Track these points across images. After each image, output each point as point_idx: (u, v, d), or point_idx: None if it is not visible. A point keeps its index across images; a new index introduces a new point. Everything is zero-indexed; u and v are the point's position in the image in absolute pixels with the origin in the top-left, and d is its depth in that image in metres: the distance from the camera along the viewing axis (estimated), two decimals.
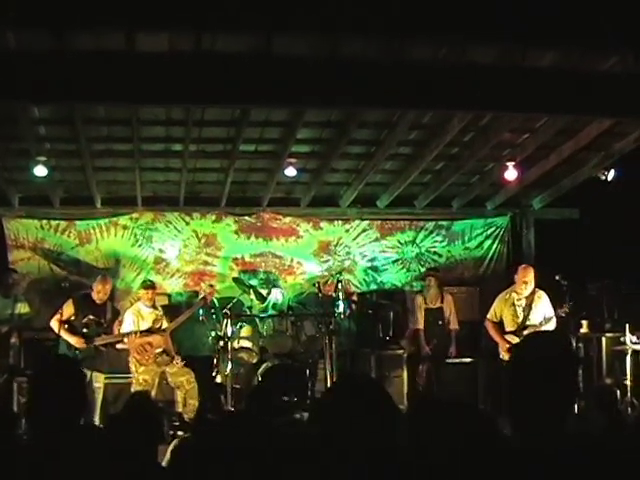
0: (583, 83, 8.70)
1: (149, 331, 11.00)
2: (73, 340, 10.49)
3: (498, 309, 11.09)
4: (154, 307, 11.30)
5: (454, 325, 12.46)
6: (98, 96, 8.44)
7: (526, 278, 10.89)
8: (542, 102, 8.88)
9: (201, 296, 12.04)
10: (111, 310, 11.03)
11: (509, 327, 10.96)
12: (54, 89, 8.16)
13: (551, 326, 10.72)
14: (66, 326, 10.54)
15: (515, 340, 10.62)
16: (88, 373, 10.37)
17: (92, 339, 10.58)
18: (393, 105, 9.24)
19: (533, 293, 10.93)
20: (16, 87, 8.08)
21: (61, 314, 10.54)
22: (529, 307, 10.88)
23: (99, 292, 10.80)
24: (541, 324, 10.73)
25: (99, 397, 10.66)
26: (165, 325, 11.24)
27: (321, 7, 7.16)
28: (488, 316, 11.19)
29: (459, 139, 11.26)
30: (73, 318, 10.65)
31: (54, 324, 10.56)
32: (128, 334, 10.87)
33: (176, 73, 8.20)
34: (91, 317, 10.62)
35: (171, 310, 12.03)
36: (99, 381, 10.66)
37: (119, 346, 11.03)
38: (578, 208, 13.92)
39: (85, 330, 10.55)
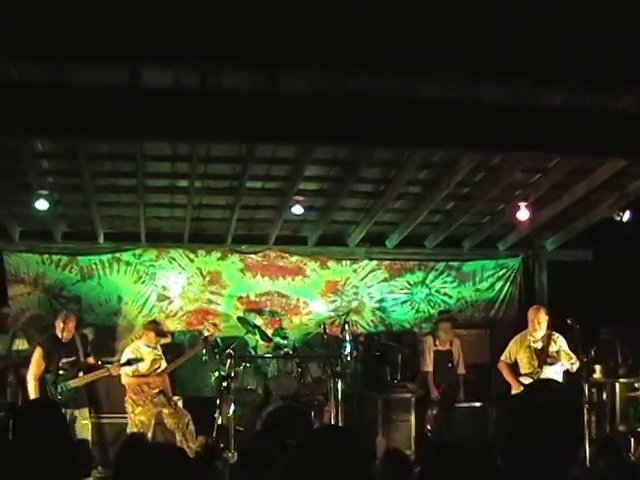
0: (596, 123, 8.56)
1: (128, 362, 10.78)
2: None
3: (513, 351, 10.92)
4: (155, 347, 11.11)
5: (461, 370, 12.29)
6: (102, 131, 8.37)
7: (537, 319, 10.77)
8: (554, 142, 8.77)
9: (204, 336, 11.85)
10: (81, 344, 10.77)
11: (525, 370, 10.77)
12: (57, 123, 8.08)
13: (575, 366, 10.53)
14: (38, 386, 10.29)
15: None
16: (73, 412, 10.19)
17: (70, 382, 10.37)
18: (402, 143, 9.11)
19: (550, 336, 10.77)
20: (19, 120, 8.01)
21: (36, 367, 10.34)
22: (546, 350, 10.70)
23: (62, 330, 10.49)
24: (562, 365, 10.53)
25: (87, 433, 10.44)
26: (164, 366, 11.06)
27: (328, 43, 7.02)
28: (502, 357, 11.02)
29: (470, 179, 11.11)
30: (48, 365, 10.36)
31: (31, 381, 10.34)
32: (109, 368, 10.62)
33: (182, 108, 8.09)
34: (64, 360, 10.35)
35: (173, 349, 11.89)
36: (84, 417, 10.47)
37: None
38: (592, 250, 13.72)
39: (62, 372, 10.29)
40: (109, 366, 10.70)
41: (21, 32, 6.85)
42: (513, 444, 3.21)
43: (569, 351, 10.64)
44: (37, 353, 10.44)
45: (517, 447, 3.20)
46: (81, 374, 10.54)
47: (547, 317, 10.80)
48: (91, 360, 10.77)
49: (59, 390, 10.22)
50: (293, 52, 7.17)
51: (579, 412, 3.39)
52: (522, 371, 10.77)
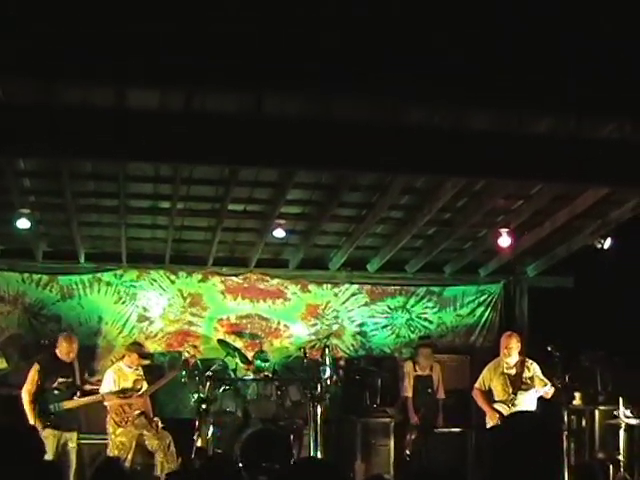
0: (580, 150, 8.61)
1: (123, 392, 10.73)
2: (31, 418, 10.11)
3: (487, 378, 10.89)
4: (136, 368, 11.05)
5: (441, 395, 12.28)
6: (85, 151, 8.34)
7: (509, 345, 10.78)
8: (537, 169, 8.80)
9: (184, 358, 11.80)
10: (79, 368, 10.72)
11: (499, 397, 10.73)
12: (40, 143, 8.05)
13: (550, 393, 10.51)
14: (34, 402, 10.20)
15: (506, 410, 10.43)
16: (63, 434, 10.14)
17: (64, 403, 10.27)
18: (385, 169, 9.11)
19: (523, 362, 10.75)
20: (2, 139, 7.95)
21: (31, 383, 10.26)
22: (520, 376, 10.67)
23: (66, 352, 10.48)
24: (537, 391, 10.51)
25: (73, 458, 10.33)
26: (145, 387, 10.99)
27: (313, 67, 7.03)
28: (476, 385, 10.99)
29: (452, 204, 11.12)
30: (43, 384, 10.28)
31: (25, 395, 10.25)
32: (104, 395, 10.59)
33: (165, 130, 8.08)
34: (60, 380, 10.30)
35: (153, 370, 11.78)
36: (73, 441, 10.36)
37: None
38: (573, 276, 13.73)
39: (57, 392, 10.22)
40: (103, 394, 10.67)
41: (6, 50, 6.84)
42: (493, 474, 3.20)
43: (543, 377, 10.64)
44: (34, 369, 10.35)
45: (497, 477, 3.18)
46: (76, 397, 10.47)
47: (519, 344, 10.81)
48: (88, 386, 10.74)
49: (52, 409, 10.16)
50: (278, 76, 7.17)
51: (558, 444, 3.40)
52: (496, 398, 10.73)
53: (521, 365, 10.73)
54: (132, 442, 10.69)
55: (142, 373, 11.15)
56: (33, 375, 10.32)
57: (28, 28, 6.66)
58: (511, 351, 10.74)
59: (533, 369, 10.73)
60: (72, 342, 10.63)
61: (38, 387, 10.26)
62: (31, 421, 10.06)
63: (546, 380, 10.57)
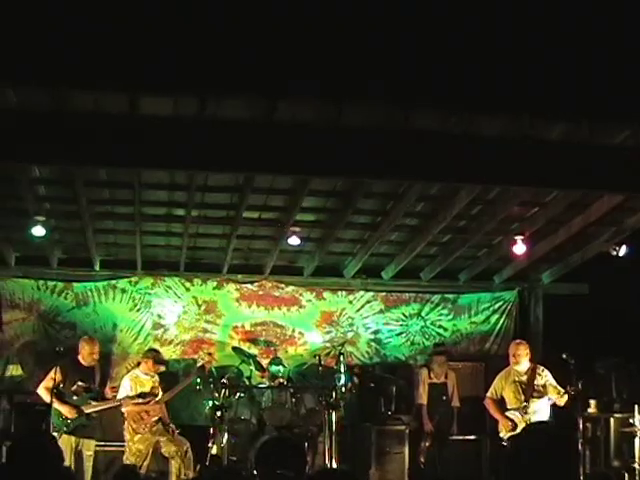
0: (594, 157, 8.58)
1: (140, 396, 10.73)
2: (65, 410, 10.14)
3: (498, 387, 10.91)
4: (152, 375, 11.05)
5: (455, 402, 12.24)
6: (100, 159, 8.36)
7: (517, 353, 10.83)
8: (552, 176, 8.76)
9: (199, 365, 11.80)
10: (100, 373, 10.75)
11: (511, 404, 10.74)
12: (54, 150, 8.07)
13: (563, 400, 10.49)
14: (56, 394, 10.12)
15: (518, 418, 10.42)
16: (80, 441, 10.15)
17: (82, 408, 10.24)
18: (399, 176, 9.09)
19: (534, 369, 10.78)
20: (16, 147, 7.99)
21: (49, 380, 10.21)
22: (531, 383, 10.69)
23: (89, 354, 10.49)
24: (550, 399, 10.52)
25: (89, 465, 10.33)
26: (161, 394, 10.99)
27: (327, 74, 7.04)
28: (488, 394, 11.01)
29: (467, 212, 11.09)
30: (62, 385, 10.28)
31: (43, 392, 10.25)
32: (121, 400, 10.60)
33: (180, 137, 8.10)
34: (80, 384, 10.29)
35: (168, 378, 11.78)
36: (90, 449, 10.36)
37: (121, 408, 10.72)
38: (588, 283, 13.69)
39: (75, 397, 10.22)
40: (121, 399, 10.66)
41: (20, 58, 6.88)
42: None
43: (556, 384, 10.61)
44: (54, 371, 10.24)
45: None
46: (94, 402, 10.45)
47: (528, 351, 10.85)
48: (108, 390, 10.73)
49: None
50: (293, 82, 7.19)
51: (574, 455, 3.37)
52: (508, 406, 10.74)
53: (532, 372, 10.74)
54: (149, 449, 10.70)
55: (158, 380, 11.15)
56: (52, 374, 10.22)
57: (41, 35, 6.70)
58: (519, 359, 10.78)
59: (545, 376, 10.72)
60: (94, 344, 10.65)
61: (55, 387, 10.14)
62: (65, 412, 10.07)
63: (559, 387, 10.54)
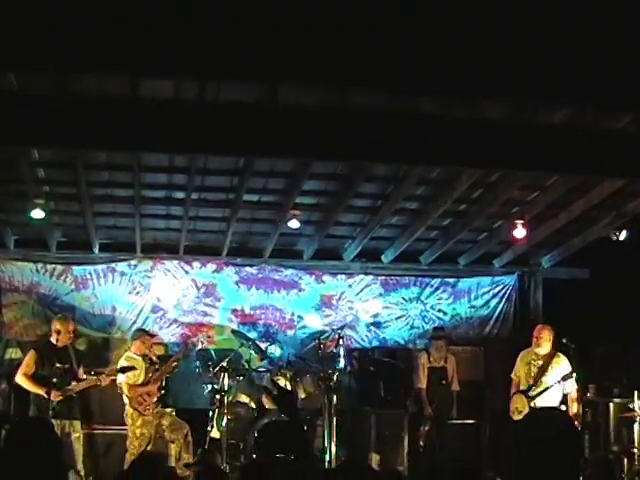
0: (595, 142, 8.56)
1: (130, 369, 10.63)
2: (43, 392, 9.92)
3: (516, 367, 11.05)
4: (145, 356, 10.96)
5: (455, 387, 12.21)
6: (100, 141, 8.34)
7: (539, 335, 10.85)
8: (553, 160, 8.75)
9: (197, 349, 11.80)
10: (74, 353, 10.57)
11: (522, 386, 10.86)
12: (55, 133, 8.05)
13: (570, 388, 10.57)
14: (36, 379, 10.07)
15: (522, 401, 10.54)
16: (65, 424, 10.06)
17: (66, 389, 10.13)
18: (400, 160, 9.07)
19: (552, 355, 10.80)
20: (16, 130, 7.98)
21: (26, 367, 10.15)
22: (544, 368, 10.76)
23: (61, 333, 10.29)
24: (554, 386, 10.56)
25: (79, 447, 10.28)
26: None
27: (328, 58, 7.00)
28: (512, 375, 11.10)
29: (467, 195, 11.08)
30: (40, 370, 10.16)
31: (21, 379, 10.16)
32: (97, 375, 10.43)
33: (180, 120, 8.08)
34: (58, 365, 10.08)
35: (166, 360, 11.74)
36: (77, 430, 10.28)
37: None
38: (588, 268, 13.68)
39: (55, 380, 9.99)
40: (101, 376, 10.48)
41: (21, 42, 6.83)
42: (517, 471, 3.18)
43: (570, 374, 10.59)
44: (30, 355, 10.24)
45: (520, 473, 3.16)
46: (73, 383, 10.38)
47: (551, 336, 10.84)
48: (81, 371, 10.60)
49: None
50: (293, 66, 7.15)
51: (581, 441, 3.42)
52: (520, 387, 10.86)
53: (549, 358, 10.79)
54: (152, 432, 10.66)
55: (155, 361, 11.07)
56: (28, 360, 10.18)
57: (42, 18, 6.65)
58: (541, 342, 10.80)
59: (560, 364, 10.73)
60: (69, 323, 10.55)
61: (34, 372, 10.11)
62: (41, 391, 9.94)
63: (571, 375, 10.54)
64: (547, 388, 10.59)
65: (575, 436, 3.34)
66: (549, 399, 10.55)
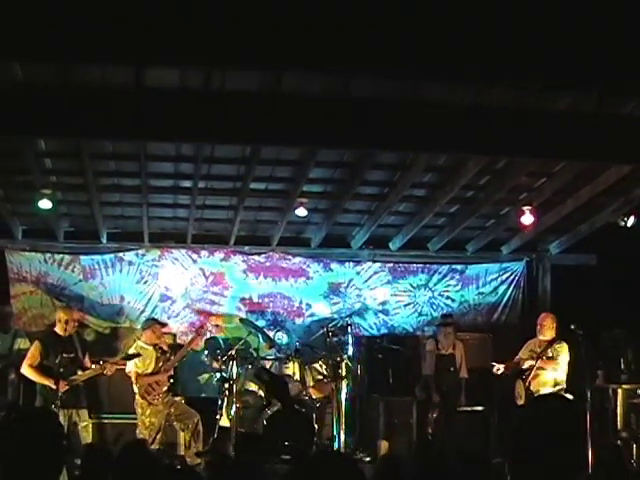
0: (602, 127, 8.53)
1: (136, 356, 10.65)
2: (51, 382, 9.89)
3: (521, 351, 11.17)
4: (155, 345, 10.99)
5: (463, 373, 12.19)
6: (106, 131, 8.33)
7: (542, 322, 10.97)
8: (560, 147, 8.72)
9: (205, 338, 11.80)
10: (79, 342, 10.55)
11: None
12: (61, 123, 8.07)
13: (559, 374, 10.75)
14: (42, 369, 10.04)
15: (520, 386, 10.83)
16: (72, 413, 10.07)
17: (71, 379, 10.09)
18: (407, 147, 9.06)
19: (552, 342, 10.88)
20: (22, 120, 7.99)
21: (31, 358, 10.13)
22: (541, 355, 10.83)
23: (64, 322, 10.27)
24: (546, 370, 10.80)
25: (87, 436, 10.22)
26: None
27: (333, 45, 6.98)
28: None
29: (474, 182, 11.06)
30: (45, 360, 10.13)
31: (27, 370, 10.13)
32: (103, 364, 10.37)
33: (186, 109, 8.07)
34: (64, 355, 10.06)
35: (175, 350, 11.77)
36: (85, 419, 10.26)
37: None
38: (596, 254, 13.64)
39: (62, 370, 9.98)
40: (106, 364, 10.40)
41: (26, 32, 6.83)
42: (516, 458, 3.19)
43: (561, 363, 10.70)
44: (35, 346, 10.21)
45: (520, 460, 3.18)
46: (79, 372, 10.38)
47: (554, 324, 10.93)
48: (87, 360, 10.60)
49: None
50: (299, 54, 7.14)
51: (583, 427, 3.37)
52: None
53: (549, 344, 10.84)
54: (162, 422, 10.67)
55: (165, 350, 11.08)
56: (34, 351, 10.16)
57: (46, 9, 6.65)
58: (543, 329, 10.92)
59: (557, 352, 10.77)
60: (72, 312, 10.57)
61: (40, 363, 10.09)
62: (53, 385, 9.89)
63: (561, 366, 10.68)
64: (533, 369, 10.72)
65: (576, 424, 3.33)
66: (540, 384, 10.61)
